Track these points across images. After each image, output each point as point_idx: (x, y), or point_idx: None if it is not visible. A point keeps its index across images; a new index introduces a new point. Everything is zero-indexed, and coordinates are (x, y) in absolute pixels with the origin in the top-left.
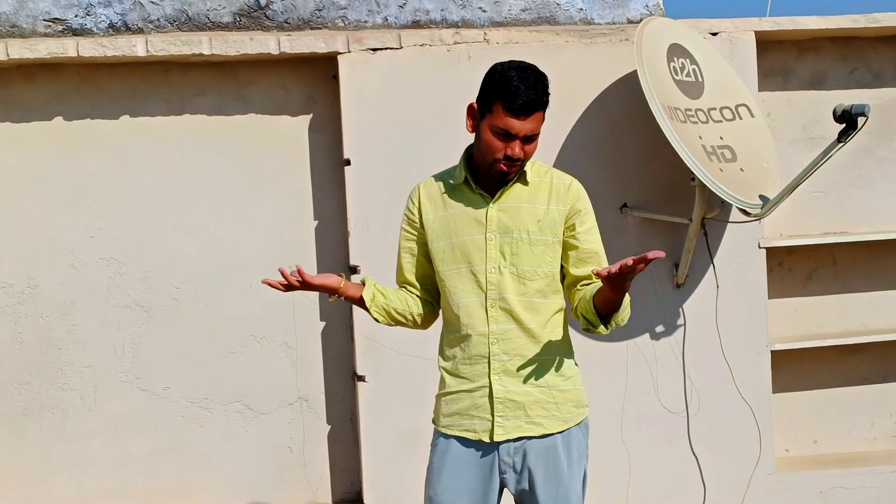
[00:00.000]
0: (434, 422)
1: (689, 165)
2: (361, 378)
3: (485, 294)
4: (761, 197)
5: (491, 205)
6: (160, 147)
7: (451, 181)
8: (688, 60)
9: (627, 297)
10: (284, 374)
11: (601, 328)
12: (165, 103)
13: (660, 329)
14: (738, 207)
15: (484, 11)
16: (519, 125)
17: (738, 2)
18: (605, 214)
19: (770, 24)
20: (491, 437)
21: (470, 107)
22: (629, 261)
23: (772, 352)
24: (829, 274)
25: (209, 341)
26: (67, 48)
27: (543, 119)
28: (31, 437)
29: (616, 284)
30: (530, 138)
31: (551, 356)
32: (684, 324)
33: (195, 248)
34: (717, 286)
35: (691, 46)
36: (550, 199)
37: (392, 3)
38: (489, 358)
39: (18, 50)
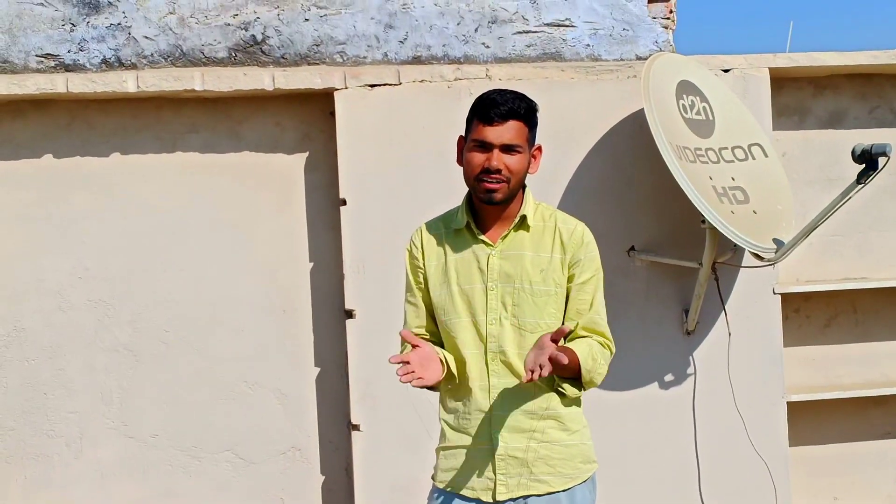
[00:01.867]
0: (433, 477)
1: (698, 207)
2: (356, 427)
3: (485, 346)
4: (775, 240)
5: (492, 252)
6: (151, 185)
7: (451, 226)
8: (698, 98)
9: (593, 358)
10: (277, 422)
11: (566, 389)
12: (157, 140)
13: (669, 378)
14: (750, 252)
15: (487, 47)
16: (494, 133)
17: (751, 38)
18: (612, 258)
19: (785, 60)
20: (493, 496)
21: (458, 139)
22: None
23: (788, 403)
24: (848, 321)
25: (199, 387)
26: (56, 84)
27: (527, 133)
28: (15, 485)
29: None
30: (510, 148)
31: (556, 410)
32: (695, 373)
33: (185, 290)
34: (730, 334)
35: (702, 83)
36: (554, 246)
37: (392, 39)
38: (490, 413)
39: (6, 86)
